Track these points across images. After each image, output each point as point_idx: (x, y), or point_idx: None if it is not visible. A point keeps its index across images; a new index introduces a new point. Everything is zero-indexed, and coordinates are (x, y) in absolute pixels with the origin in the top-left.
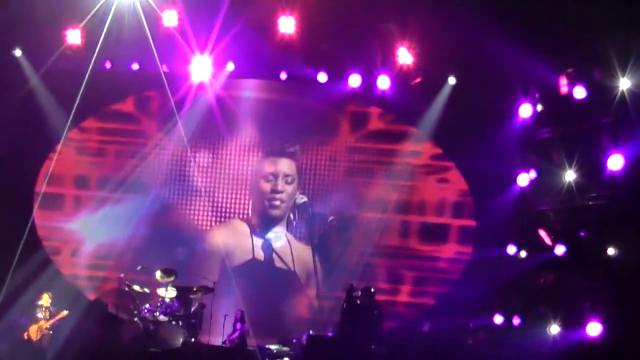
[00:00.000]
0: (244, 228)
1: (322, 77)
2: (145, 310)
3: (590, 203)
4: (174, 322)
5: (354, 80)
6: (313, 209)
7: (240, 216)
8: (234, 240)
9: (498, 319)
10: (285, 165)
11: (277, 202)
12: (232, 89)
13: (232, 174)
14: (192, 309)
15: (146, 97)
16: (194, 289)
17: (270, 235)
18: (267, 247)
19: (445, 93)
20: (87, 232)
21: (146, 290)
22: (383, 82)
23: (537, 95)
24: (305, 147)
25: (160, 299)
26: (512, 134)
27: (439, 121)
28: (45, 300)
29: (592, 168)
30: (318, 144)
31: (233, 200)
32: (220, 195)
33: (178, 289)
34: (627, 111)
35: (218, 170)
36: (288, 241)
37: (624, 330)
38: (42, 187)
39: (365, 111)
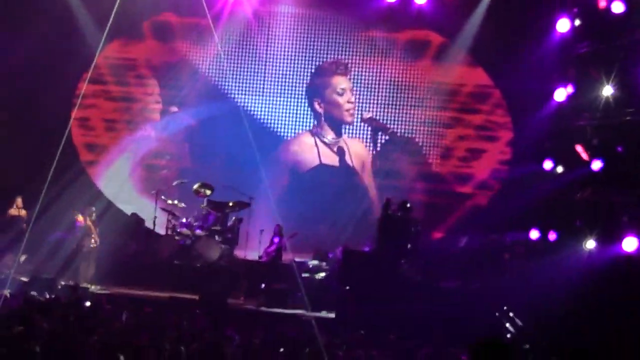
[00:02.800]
0: (310, 139)
1: None
2: (182, 225)
3: (628, 118)
4: (210, 237)
5: None
6: (377, 122)
7: (304, 129)
8: (303, 150)
9: (534, 234)
10: (349, 82)
11: (352, 111)
12: (269, 4)
13: (282, 89)
14: (229, 223)
15: (181, 11)
16: (230, 204)
17: (331, 141)
18: (333, 151)
19: (482, 8)
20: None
21: (183, 204)
22: None
23: (575, 10)
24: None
25: (196, 213)
26: (549, 49)
27: (476, 36)
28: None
29: (630, 83)
30: (364, 60)
31: (295, 112)
32: (279, 109)
33: (214, 203)
34: None
35: (262, 84)
36: (345, 141)
37: None
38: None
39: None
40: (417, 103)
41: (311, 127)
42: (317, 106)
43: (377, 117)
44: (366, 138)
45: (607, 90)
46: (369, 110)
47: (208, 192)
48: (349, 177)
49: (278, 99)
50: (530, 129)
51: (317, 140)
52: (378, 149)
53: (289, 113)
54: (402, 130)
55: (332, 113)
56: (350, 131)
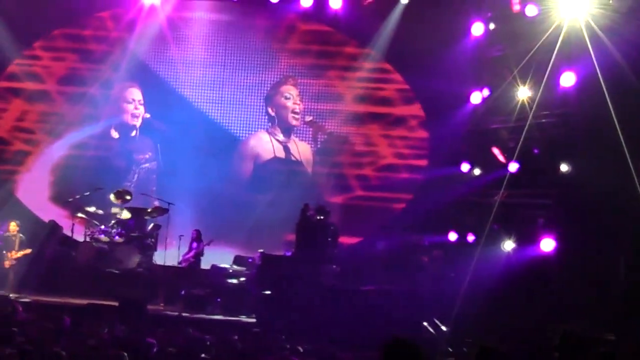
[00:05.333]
0: (266, 135)
1: None
2: (100, 232)
3: (543, 120)
4: (129, 243)
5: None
6: (316, 124)
7: (259, 128)
8: (260, 144)
9: (452, 237)
10: (296, 90)
11: (298, 115)
12: (184, 10)
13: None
14: (147, 229)
15: (97, 18)
16: (149, 210)
17: (283, 139)
18: (284, 148)
19: (397, 12)
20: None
21: (100, 211)
22: (335, 2)
23: (489, 14)
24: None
25: (114, 220)
26: (464, 53)
27: (391, 41)
28: (13, 227)
29: (544, 86)
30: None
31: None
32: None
33: (132, 210)
34: (579, 29)
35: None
36: (295, 142)
37: (577, 245)
38: None
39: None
40: (343, 106)
41: (267, 128)
42: (270, 111)
43: (317, 121)
44: (309, 139)
45: (522, 93)
46: (310, 115)
47: (125, 199)
48: (297, 168)
49: (230, 105)
50: (447, 131)
51: (271, 138)
52: (319, 146)
53: (245, 116)
54: (339, 132)
55: (281, 115)
56: (298, 134)
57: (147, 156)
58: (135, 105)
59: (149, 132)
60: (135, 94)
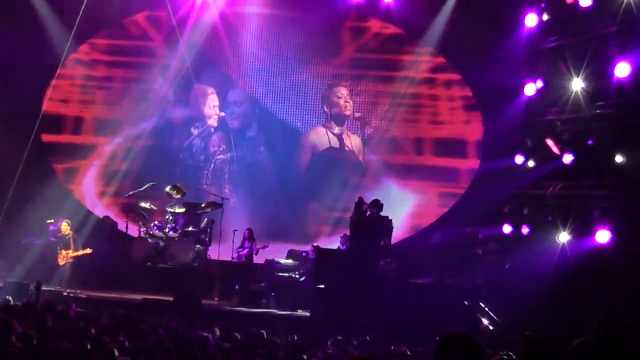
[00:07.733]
0: (322, 129)
1: None
2: (155, 227)
3: (598, 111)
4: (183, 239)
5: None
6: (364, 120)
7: (317, 123)
8: (318, 137)
9: (507, 229)
10: (347, 90)
11: (348, 112)
12: (236, 5)
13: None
14: (201, 224)
15: (150, 16)
16: (203, 205)
17: (338, 131)
18: (338, 139)
19: (450, 5)
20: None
21: (154, 207)
22: None
23: (542, 5)
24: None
25: (169, 216)
26: (518, 44)
27: (444, 33)
28: (65, 227)
29: (599, 76)
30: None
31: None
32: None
33: (187, 205)
34: (634, 19)
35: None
36: (347, 134)
37: (633, 237)
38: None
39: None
40: (392, 101)
41: (323, 123)
42: (325, 109)
43: (364, 116)
44: (358, 132)
45: (577, 84)
46: (358, 112)
47: (179, 194)
48: (350, 156)
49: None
50: (501, 123)
51: (327, 131)
52: (366, 138)
53: (305, 112)
54: (383, 125)
55: (335, 112)
56: (350, 127)
57: (221, 149)
58: (211, 104)
59: (223, 128)
60: (210, 93)
